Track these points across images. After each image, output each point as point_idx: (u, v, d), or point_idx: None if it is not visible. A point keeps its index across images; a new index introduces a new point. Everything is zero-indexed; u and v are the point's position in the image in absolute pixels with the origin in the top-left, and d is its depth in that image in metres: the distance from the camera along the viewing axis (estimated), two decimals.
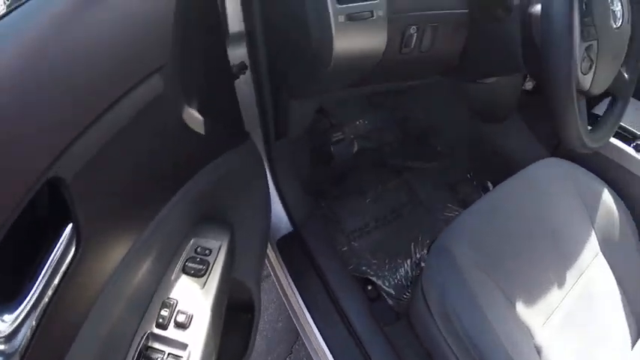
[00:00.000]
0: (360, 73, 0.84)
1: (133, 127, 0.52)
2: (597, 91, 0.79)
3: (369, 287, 1.13)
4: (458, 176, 1.47)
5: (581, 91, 0.77)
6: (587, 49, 0.73)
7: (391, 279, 1.18)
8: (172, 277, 0.64)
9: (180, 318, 0.61)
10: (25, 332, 0.44)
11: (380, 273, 1.19)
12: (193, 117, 0.64)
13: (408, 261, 1.22)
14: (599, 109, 1.06)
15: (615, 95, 0.91)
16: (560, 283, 0.90)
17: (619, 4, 0.79)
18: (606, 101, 0.93)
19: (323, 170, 1.32)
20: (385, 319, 1.04)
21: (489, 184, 1.44)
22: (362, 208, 1.34)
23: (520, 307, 0.84)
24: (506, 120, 1.33)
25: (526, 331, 0.83)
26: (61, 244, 0.46)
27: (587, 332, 0.87)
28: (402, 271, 1.20)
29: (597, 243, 0.96)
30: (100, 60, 0.49)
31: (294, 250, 1.09)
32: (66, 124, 0.45)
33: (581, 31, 0.71)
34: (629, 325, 0.91)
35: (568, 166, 1.04)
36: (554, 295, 0.88)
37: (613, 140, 1.06)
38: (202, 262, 0.65)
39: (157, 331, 0.61)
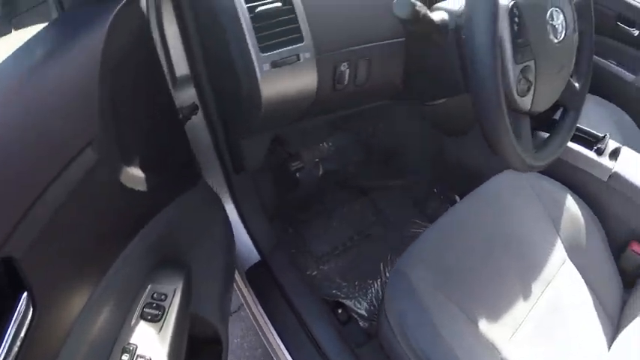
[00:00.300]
0: (297, 111, 0.85)
1: (73, 199, 0.55)
2: (542, 108, 0.79)
3: (340, 310, 1.13)
4: (424, 192, 1.47)
5: (522, 112, 0.77)
6: (524, 70, 0.73)
7: (362, 300, 1.18)
8: (132, 323, 0.67)
9: None
10: None
11: (351, 295, 1.19)
12: (133, 176, 0.67)
13: (378, 281, 1.23)
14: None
15: (566, 106, 0.90)
16: (526, 295, 0.90)
17: (560, 16, 0.78)
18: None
19: (288, 196, 1.33)
20: (357, 341, 1.05)
21: (457, 197, 1.44)
22: (329, 230, 1.34)
23: (482, 323, 0.85)
24: (468, 132, 1.33)
25: (490, 346, 0.83)
26: (19, 312, 0.49)
27: (559, 341, 0.87)
28: (372, 292, 1.21)
29: (564, 250, 0.96)
30: (32, 142, 0.52)
31: (263, 279, 1.10)
32: (7, 208, 0.48)
33: (514, 53, 0.71)
34: (604, 328, 0.90)
35: (530, 175, 1.03)
36: (521, 307, 0.88)
37: (574, 145, 1.04)
38: (158, 307, 0.68)
39: None
